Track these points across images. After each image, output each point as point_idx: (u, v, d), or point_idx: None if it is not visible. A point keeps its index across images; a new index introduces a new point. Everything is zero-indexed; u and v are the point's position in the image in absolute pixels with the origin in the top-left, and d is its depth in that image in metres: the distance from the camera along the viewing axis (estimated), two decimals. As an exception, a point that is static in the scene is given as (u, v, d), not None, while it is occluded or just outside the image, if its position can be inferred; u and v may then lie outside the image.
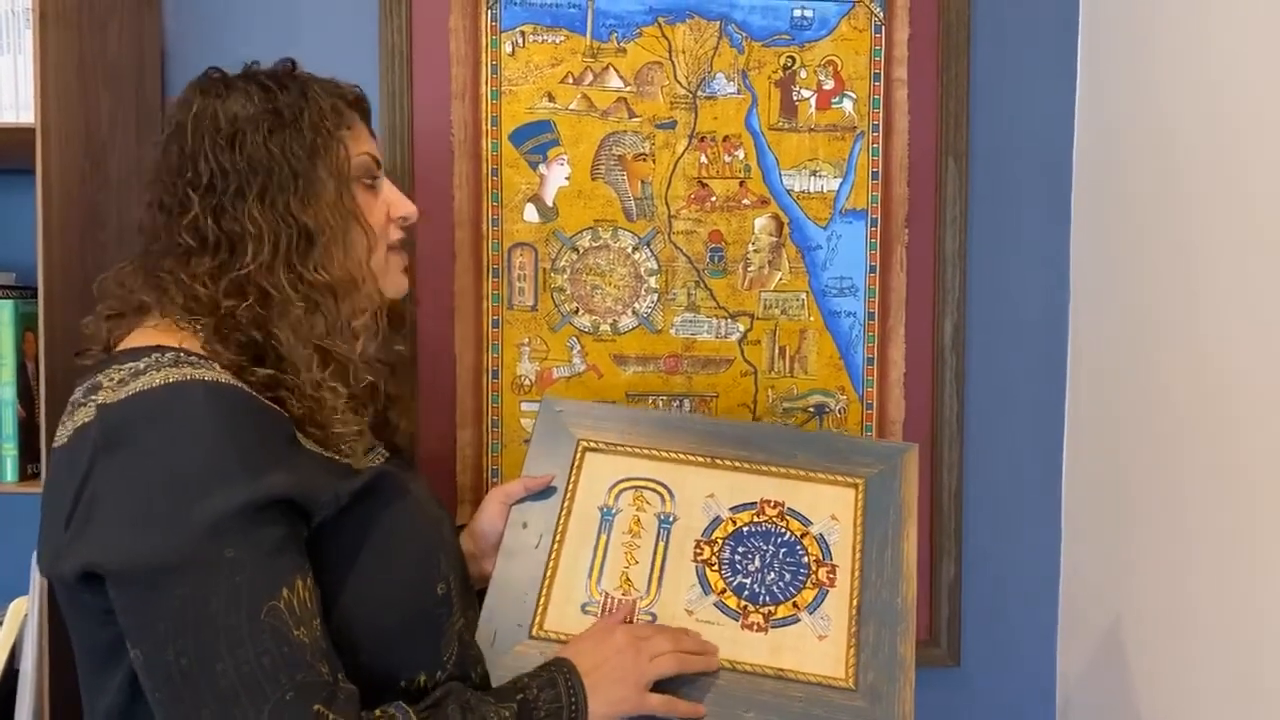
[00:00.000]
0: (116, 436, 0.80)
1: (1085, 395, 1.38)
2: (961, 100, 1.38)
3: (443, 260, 1.37)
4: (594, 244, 1.37)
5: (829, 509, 1.12)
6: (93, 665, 0.86)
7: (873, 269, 1.39)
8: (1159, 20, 1.20)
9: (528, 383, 1.38)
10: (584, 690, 0.90)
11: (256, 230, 0.87)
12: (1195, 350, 1.12)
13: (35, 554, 0.92)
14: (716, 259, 1.38)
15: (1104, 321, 1.33)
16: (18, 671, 1.13)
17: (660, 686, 0.97)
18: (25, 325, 1.13)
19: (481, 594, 1.05)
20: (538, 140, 1.36)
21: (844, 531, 1.10)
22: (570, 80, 1.36)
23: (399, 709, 0.82)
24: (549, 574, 1.06)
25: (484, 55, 1.36)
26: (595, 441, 1.16)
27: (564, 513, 1.11)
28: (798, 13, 1.37)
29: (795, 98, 1.37)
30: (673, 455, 1.15)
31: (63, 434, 0.84)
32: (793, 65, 1.37)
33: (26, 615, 1.13)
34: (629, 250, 1.38)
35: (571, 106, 1.36)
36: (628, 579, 1.07)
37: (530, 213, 1.37)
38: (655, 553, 1.09)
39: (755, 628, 1.04)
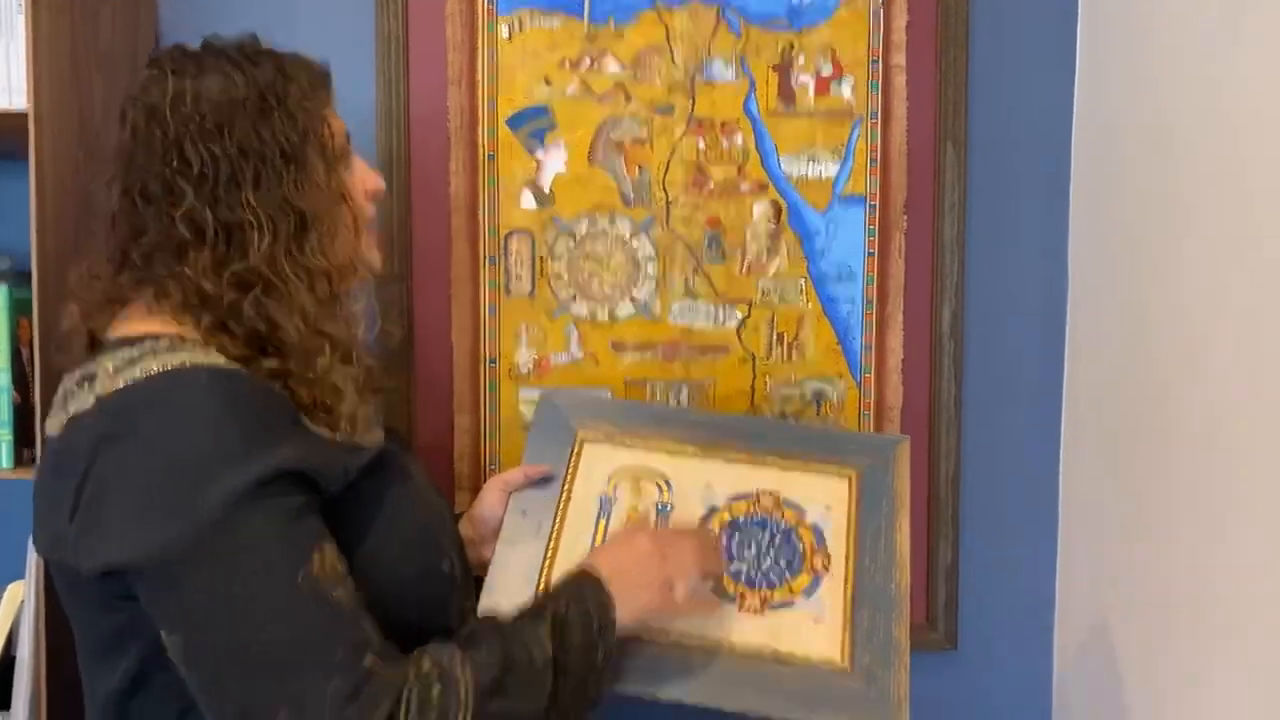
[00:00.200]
0: (119, 427, 0.79)
1: (1083, 382, 1.38)
2: (960, 87, 1.37)
3: (439, 247, 1.36)
4: (591, 230, 1.37)
5: (824, 499, 1.13)
6: (95, 652, 0.86)
7: (871, 255, 1.38)
8: (1159, 9, 1.20)
9: (525, 370, 1.37)
10: (611, 598, 0.88)
11: (255, 219, 0.85)
12: (1193, 338, 1.12)
13: (31, 539, 0.92)
14: (714, 245, 1.37)
15: (1102, 309, 1.33)
16: (14, 657, 1.13)
17: (652, 665, 0.97)
18: (20, 311, 1.13)
19: (479, 581, 1.05)
20: (535, 125, 1.35)
21: (838, 521, 1.11)
22: (567, 65, 1.35)
23: (439, 645, 0.82)
24: (548, 560, 1.07)
25: (480, 40, 1.35)
26: (594, 433, 1.17)
27: (563, 501, 1.11)
28: (796, -3, 1.36)
29: (794, 83, 1.36)
30: (670, 447, 1.16)
31: (55, 423, 0.84)
32: (791, 50, 1.36)
33: (23, 600, 1.13)
34: (626, 236, 1.37)
35: (569, 91, 1.35)
36: None
37: (527, 199, 1.36)
38: None
39: (752, 611, 1.05)
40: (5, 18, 1.08)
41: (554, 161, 1.36)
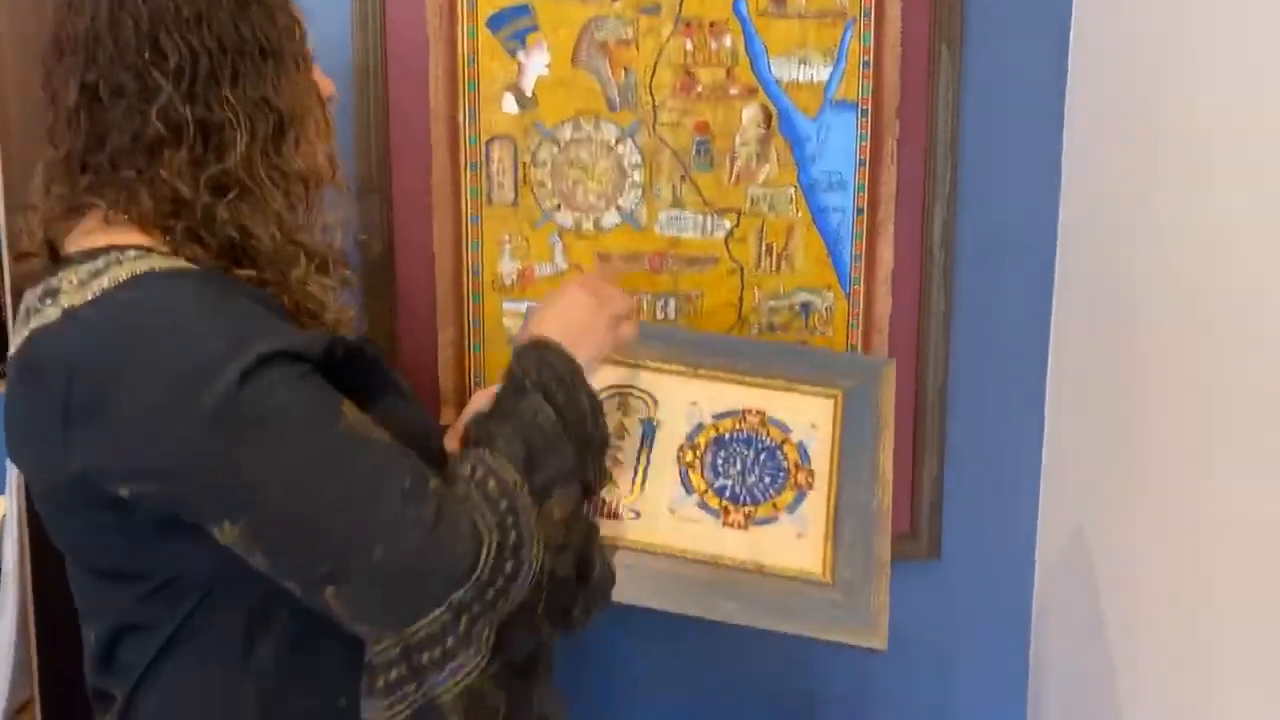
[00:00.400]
0: (100, 335, 0.76)
1: (1073, 292, 1.37)
2: (956, -16, 1.32)
3: (418, 155, 1.32)
4: (575, 136, 1.32)
5: (808, 418, 1.14)
6: (106, 574, 0.84)
7: (862, 163, 1.35)
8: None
9: (509, 281, 1.35)
10: (571, 356, 0.91)
11: (234, 118, 0.80)
12: (1188, 243, 1.10)
13: (6, 460, 0.90)
14: (702, 152, 1.33)
15: (1095, 218, 1.31)
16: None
17: (637, 577, 0.98)
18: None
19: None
20: (516, 26, 1.30)
21: (822, 439, 1.12)
22: (549, -39, 1.29)
23: (463, 454, 0.84)
24: None
25: (457, -66, 1.28)
26: None
27: None
28: (788, -112, 1.30)
29: (785, -19, 1.31)
30: (656, 365, 1.16)
31: (18, 339, 0.80)
32: (782, -54, 1.30)
33: (5, 515, 1.12)
34: (612, 142, 1.33)
35: (551, -10, 1.29)
36: (612, 479, 1.08)
37: (509, 103, 1.31)
38: (639, 455, 1.11)
39: (736, 526, 1.07)
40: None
41: (536, 64, 1.30)
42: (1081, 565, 1.34)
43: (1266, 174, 0.96)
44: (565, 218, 1.34)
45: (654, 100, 1.32)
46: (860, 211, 1.36)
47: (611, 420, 1.11)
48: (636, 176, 1.34)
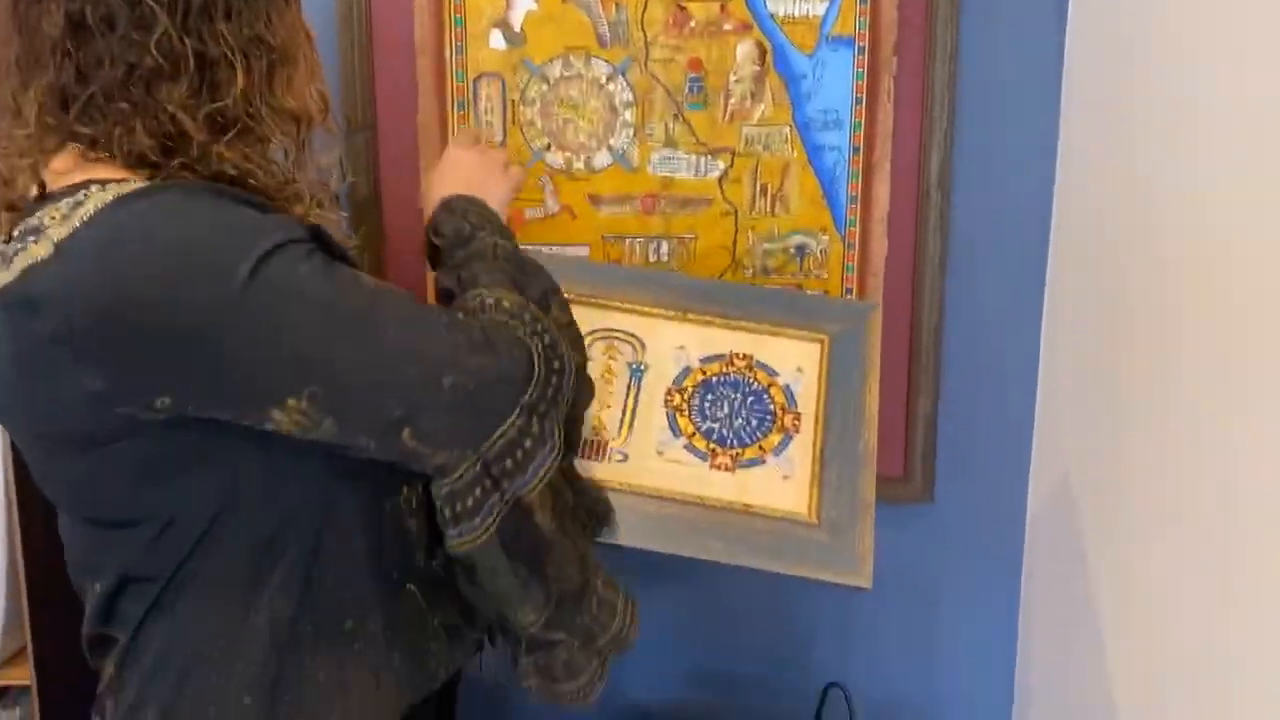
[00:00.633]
0: (104, 259, 0.72)
1: (1070, 234, 1.35)
2: (955, -85, 1.28)
3: (404, 93, 1.28)
4: (565, 73, 1.29)
5: (795, 362, 1.14)
6: (102, 524, 0.82)
7: (859, 101, 1.32)
8: None
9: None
10: (481, 202, 0.96)
11: (230, 53, 0.77)
12: (1187, 189, 1.08)
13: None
14: (696, 90, 1.30)
15: (1093, 159, 1.29)
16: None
17: (626, 518, 1.00)
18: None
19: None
20: (503, -43, 1.26)
21: (809, 383, 1.13)
22: (537, -111, 1.25)
23: (459, 301, 0.87)
24: None
25: None
26: (568, 294, 1.15)
27: None
28: None
29: (781, -90, 1.27)
30: (644, 309, 1.16)
31: (5, 277, 0.77)
32: (778, -126, 1.26)
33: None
34: (603, 80, 1.30)
35: (539, -81, 1.25)
36: (600, 422, 1.09)
37: (496, 39, 1.28)
38: (626, 398, 1.11)
39: (723, 468, 1.08)
40: None
41: (525, -3, 1.27)
42: (1073, 509, 1.35)
43: (1267, 96, 0.94)
44: (555, 158, 1.31)
45: (646, 36, 1.28)
46: (856, 151, 1.33)
47: (599, 364, 1.12)
48: (628, 115, 1.31)
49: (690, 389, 1.12)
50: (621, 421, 1.09)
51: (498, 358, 0.80)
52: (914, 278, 1.37)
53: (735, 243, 1.35)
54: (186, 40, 0.76)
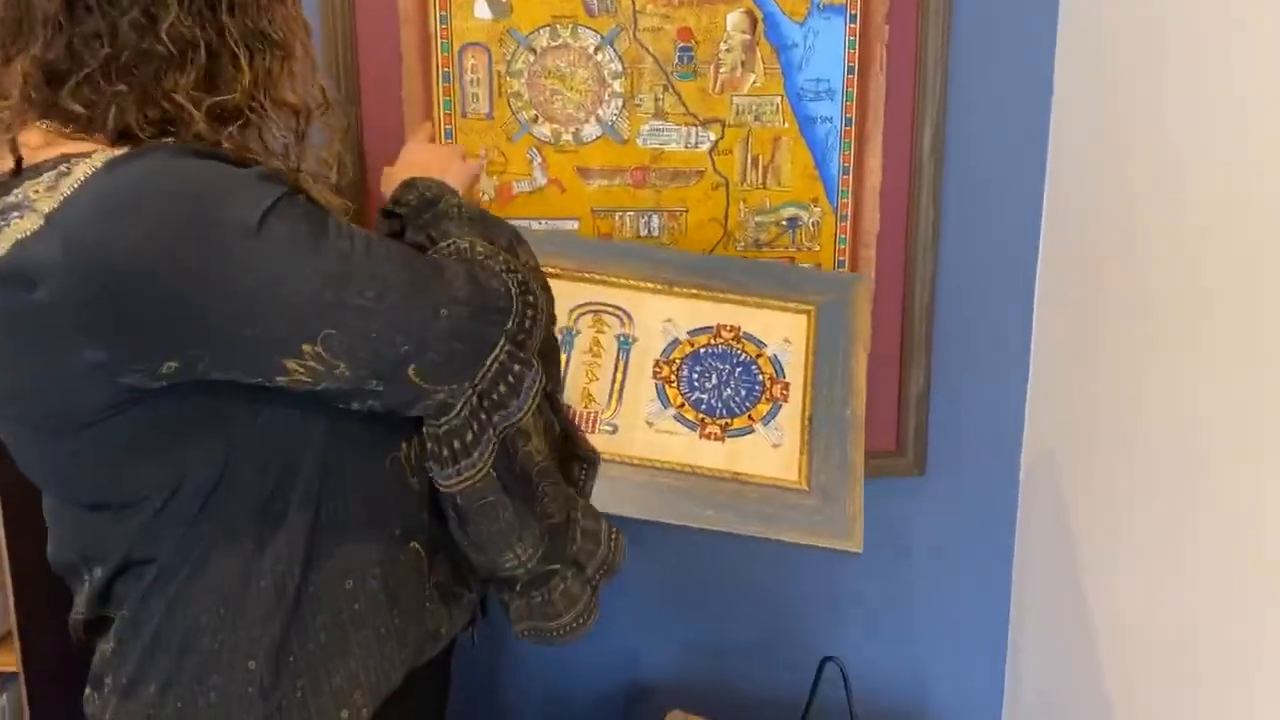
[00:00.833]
0: (103, 225, 0.70)
1: (1064, 207, 1.34)
2: (948, -120, 1.26)
3: (388, 65, 1.25)
4: (553, 43, 1.26)
5: (782, 333, 1.16)
6: (98, 508, 0.80)
7: (851, 70, 1.30)
8: None
9: (486, 198, 1.30)
10: (440, 180, 0.96)
11: (235, 46, 0.77)
12: (1176, 160, 1.07)
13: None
14: (686, 59, 1.28)
15: (1088, 128, 1.28)
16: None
17: (617, 488, 1.01)
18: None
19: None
20: (487, -77, 1.23)
21: (796, 353, 1.15)
22: None
23: (436, 248, 0.88)
24: None
25: None
26: (555, 268, 1.16)
27: None
28: None
29: (771, -125, 1.24)
30: (631, 282, 1.17)
31: None
32: None
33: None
34: (591, 50, 1.27)
35: (523, -116, 1.22)
36: (589, 394, 1.10)
37: (481, 8, 1.25)
38: (615, 370, 1.12)
39: (713, 437, 1.09)
40: None
41: (510, -35, 1.24)
42: (1065, 482, 1.35)
43: (1268, 69, 0.93)
44: (543, 130, 1.29)
45: (634, 4, 1.26)
46: (849, 122, 1.31)
47: (587, 336, 1.14)
48: (617, 86, 1.28)
49: (678, 361, 1.13)
50: (610, 393, 1.10)
51: (483, 289, 0.83)
52: (907, 249, 1.36)
53: (727, 215, 1.33)
54: (197, 30, 0.75)
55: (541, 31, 1.26)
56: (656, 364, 1.13)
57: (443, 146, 1.10)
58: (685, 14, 1.27)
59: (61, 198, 0.71)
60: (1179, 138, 1.08)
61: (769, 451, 1.08)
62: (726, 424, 1.10)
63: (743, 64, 1.29)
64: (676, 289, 1.18)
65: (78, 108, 0.75)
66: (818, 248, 1.35)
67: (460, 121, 1.28)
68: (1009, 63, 1.33)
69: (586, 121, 1.29)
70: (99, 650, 0.85)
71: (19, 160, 0.76)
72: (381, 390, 0.79)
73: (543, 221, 1.30)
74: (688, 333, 1.16)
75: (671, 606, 1.47)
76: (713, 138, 1.30)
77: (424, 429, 0.84)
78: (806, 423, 1.10)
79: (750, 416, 1.10)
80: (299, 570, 0.81)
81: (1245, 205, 0.97)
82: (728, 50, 1.28)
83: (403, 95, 1.26)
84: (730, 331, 1.16)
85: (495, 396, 0.84)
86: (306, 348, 0.74)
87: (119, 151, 0.74)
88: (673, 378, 1.13)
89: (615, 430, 1.08)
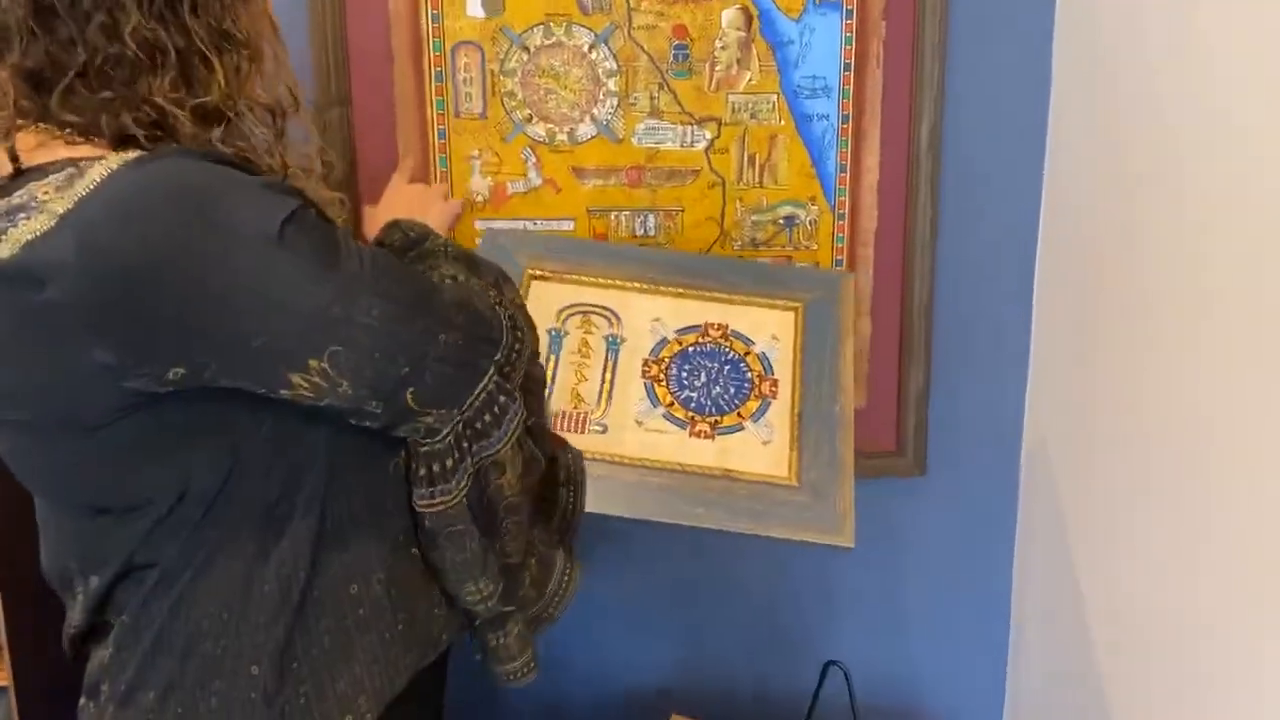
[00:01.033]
0: (120, 226, 0.69)
1: (1062, 203, 1.33)
2: (943, -127, 1.24)
3: (378, 64, 1.24)
4: (546, 42, 1.25)
5: (770, 330, 1.16)
6: (102, 512, 0.79)
7: (847, 67, 1.29)
8: None
9: (480, 199, 1.28)
10: (426, 225, 0.95)
11: (199, 46, 0.76)
12: (1176, 158, 1.06)
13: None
14: (681, 57, 1.27)
15: (1086, 124, 1.27)
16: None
17: (608, 488, 1.01)
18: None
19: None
20: (479, -79, 1.21)
21: (784, 350, 1.15)
22: None
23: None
24: None
25: None
26: (541, 270, 1.17)
27: None
28: None
29: None
30: (618, 282, 1.17)
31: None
32: None
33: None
34: (585, 48, 1.26)
35: (515, -119, 1.20)
36: (578, 395, 1.10)
37: (474, 6, 1.23)
38: (604, 370, 1.12)
39: (703, 435, 1.09)
40: None
41: (502, -37, 1.22)
42: (1065, 481, 1.34)
43: (1267, 62, 0.92)
44: (537, 130, 1.27)
45: (629, 2, 1.24)
46: (845, 119, 1.30)
47: (575, 337, 1.14)
48: (611, 85, 1.27)
49: (667, 360, 1.13)
50: (600, 394, 1.10)
51: (478, 317, 0.83)
52: (905, 248, 1.35)
53: (723, 214, 1.32)
54: (161, 31, 0.74)
55: (535, 30, 1.24)
56: (645, 363, 1.13)
57: (424, 187, 1.14)
58: (680, 11, 1.25)
59: (76, 198, 0.71)
60: (1178, 133, 1.07)
61: (759, 448, 1.08)
62: (716, 421, 1.10)
63: (738, 61, 1.27)
64: (664, 288, 1.18)
65: (70, 115, 0.75)
66: (815, 246, 1.33)
67: (453, 121, 1.26)
68: (1006, 58, 1.32)
69: (581, 121, 1.28)
70: (95, 657, 0.84)
71: (16, 164, 0.75)
72: (379, 412, 0.79)
73: (537, 222, 1.29)
74: (676, 331, 1.16)
75: (671, 611, 1.46)
76: (708, 136, 1.29)
77: (408, 442, 0.84)
78: (796, 419, 1.10)
79: (740, 414, 1.11)
80: (304, 575, 0.81)
81: (1245, 201, 0.96)
82: (723, 48, 1.27)
83: (394, 96, 1.25)
84: (718, 330, 1.16)
85: (479, 425, 0.84)
86: (313, 363, 0.74)
87: (133, 155, 0.74)
88: (662, 376, 1.13)
89: (605, 430, 1.08)
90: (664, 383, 1.13)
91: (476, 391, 0.83)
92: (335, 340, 0.74)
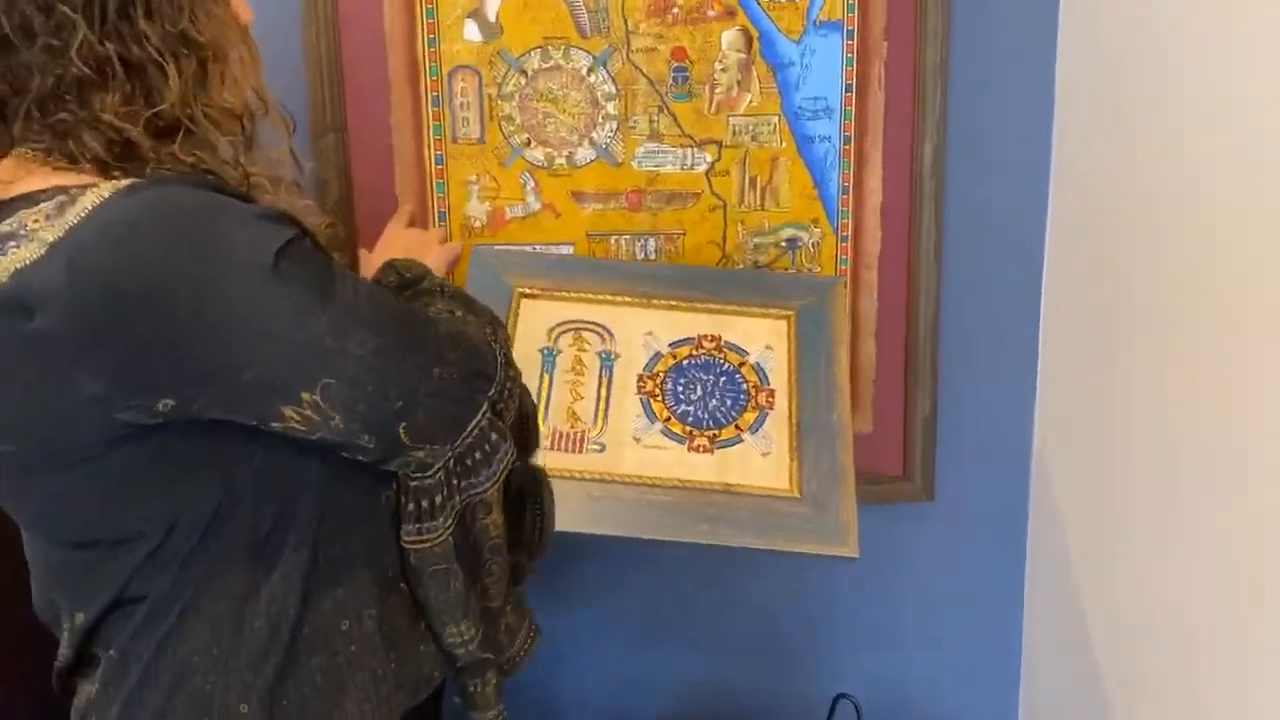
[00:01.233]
0: (112, 254, 0.68)
1: (1068, 225, 1.32)
2: (943, -107, 1.24)
3: (375, 90, 1.22)
4: (544, 65, 1.24)
5: (764, 340, 1.15)
6: (89, 546, 0.78)
7: (849, 88, 1.27)
8: None
9: (478, 224, 1.27)
10: (423, 265, 0.95)
11: (158, 55, 0.74)
12: (1183, 170, 1.05)
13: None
14: (680, 80, 1.25)
15: (1091, 143, 1.25)
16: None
17: (606, 507, 1.01)
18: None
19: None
20: (475, -56, 1.20)
21: (779, 359, 1.14)
22: (509, -127, 1.19)
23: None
24: None
25: None
26: (530, 288, 1.17)
27: None
28: None
29: (764, -108, 1.22)
30: (608, 298, 1.16)
31: None
32: None
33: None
34: (583, 72, 1.24)
35: (512, -96, 1.20)
36: (574, 414, 1.09)
37: (471, 30, 1.22)
38: (599, 388, 1.11)
39: (701, 449, 1.08)
40: None
41: (499, -14, 1.21)
42: (1077, 504, 1.31)
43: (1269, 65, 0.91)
44: (536, 154, 1.26)
45: (627, 24, 1.23)
46: (848, 140, 1.29)
47: (568, 355, 1.13)
48: (610, 108, 1.25)
49: (662, 374, 1.12)
50: (596, 412, 1.10)
51: (474, 352, 0.83)
52: (909, 270, 1.33)
53: (725, 237, 1.30)
54: (108, 45, 0.72)
55: (533, 53, 1.23)
56: (640, 378, 1.12)
57: (421, 231, 1.15)
58: (679, 34, 1.24)
59: (67, 227, 0.69)
60: (1185, 150, 1.06)
61: (759, 460, 1.07)
62: (714, 435, 1.09)
63: (739, 83, 1.26)
64: (655, 301, 1.17)
65: (34, 142, 0.73)
66: (818, 269, 1.31)
67: (450, 147, 1.25)
68: (1010, 77, 1.31)
69: (580, 144, 1.26)
70: (82, 692, 0.82)
71: None
72: (371, 446, 0.77)
73: (535, 247, 1.27)
74: (669, 345, 1.15)
75: (682, 643, 1.43)
76: (709, 159, 1.28)
77: (399, 477, 0.83)
78: (794, 429, 1.09)
79: (737, 426, 1.10)
80: (294, 611, 0.79)
81: (1261, 216, 0.94)
82: (723, 70, 1.25)
83: (391, 122, 1.23)
84: (712, 341, 1.15)
85: (469, 463, 0.83)
86: (305, 395, 0.73)
87: (126, 182, 0.72)
88: (657, 391, 1.12)
89: (603, 449, 1.07)
90: (659, 398, 1.12)
91: (469, 428, 0.82)
92: (328, 373, 0.73)
